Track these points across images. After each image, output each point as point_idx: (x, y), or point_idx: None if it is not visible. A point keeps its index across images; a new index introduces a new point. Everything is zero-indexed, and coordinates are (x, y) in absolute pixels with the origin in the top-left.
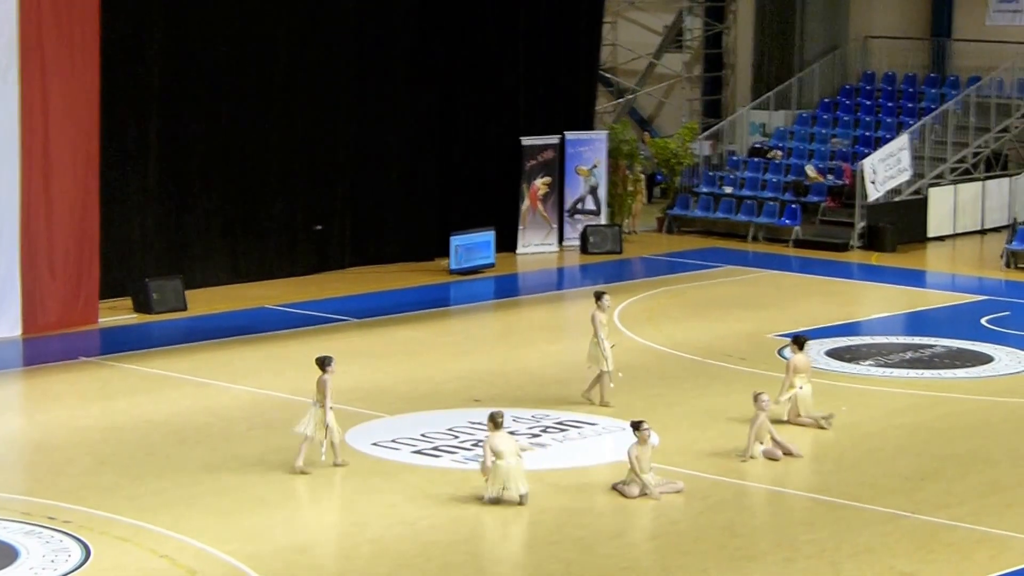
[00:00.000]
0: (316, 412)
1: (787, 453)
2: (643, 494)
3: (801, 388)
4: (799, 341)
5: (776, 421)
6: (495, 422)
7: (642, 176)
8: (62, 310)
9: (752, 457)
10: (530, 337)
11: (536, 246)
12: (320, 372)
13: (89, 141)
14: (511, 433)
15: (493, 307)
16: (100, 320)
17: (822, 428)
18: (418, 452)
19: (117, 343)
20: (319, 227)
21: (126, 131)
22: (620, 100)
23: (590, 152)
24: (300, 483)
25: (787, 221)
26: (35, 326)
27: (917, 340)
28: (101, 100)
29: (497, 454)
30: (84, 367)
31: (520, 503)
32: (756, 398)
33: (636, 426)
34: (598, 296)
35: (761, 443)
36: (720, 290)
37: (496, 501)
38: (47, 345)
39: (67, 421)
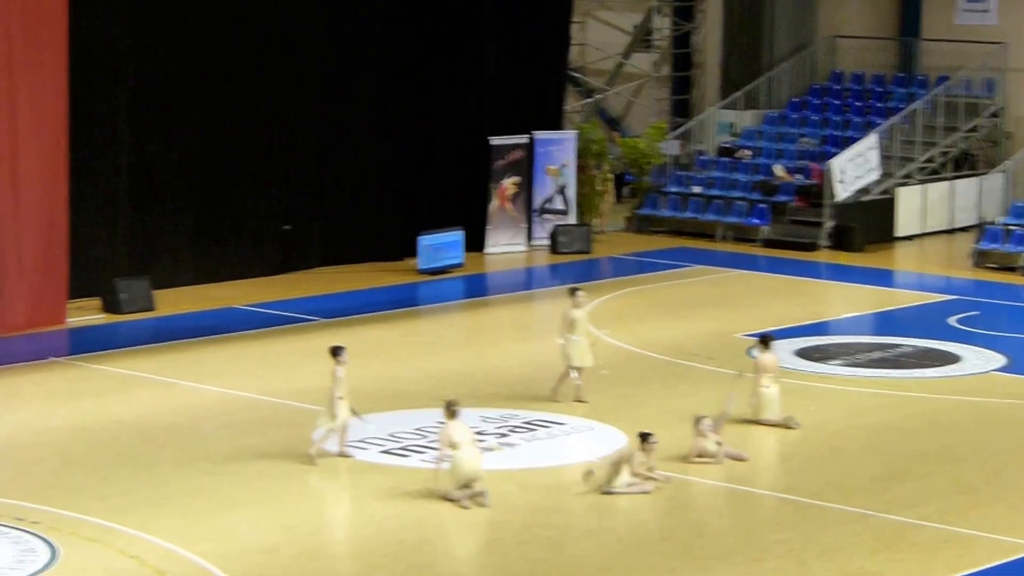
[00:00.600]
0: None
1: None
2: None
3: (768, 387)
4: (765, 341)
5: (745, 421)
6: (451, 411)
7: (611, 176)
8: (30, 310)
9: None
10: (499, 337)
11: (505, 246)
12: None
13: (57, 140)
14: (480, 437)
15: (462, 307)
16: (68, 320)
17: (789, 428)
18: (386, 452)
19: (85, 343)
20: (287, 227)
21: (95, 131)
22: (589, 100)
23: (559, 152)
24: (269, 483)
25: (756, 221)
26: (3, 326)
27: (885, 340)
28: (70, 99)
29: (453, 444)
30: (52, 367)
31: (482, 504)
32: (697, 422)
33: (645, 438)
34: (572, 292)
35: (714, 457)
36: (689, 290)
37: (456, 497)
38: (15, 345)
39: (35, 421)
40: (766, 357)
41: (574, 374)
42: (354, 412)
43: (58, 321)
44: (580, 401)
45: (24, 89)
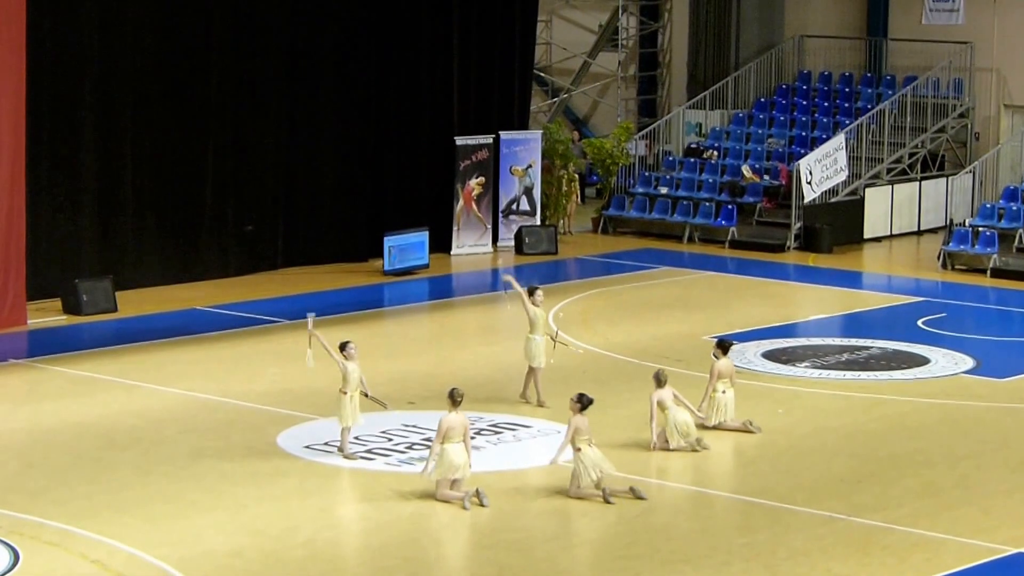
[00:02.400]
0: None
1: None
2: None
3: (724, 392)
4: (723, 346)
5: (700, 427)
6: (453, 400)
7: (576, 176)
8: None
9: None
10: (464, 339)
11: (470, 247)
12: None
13: (15, 139)
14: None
15: (427, 308)
16: (29, 321)
17: (750, 432)
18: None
19: (46, 345)
20: (250, 227)
21: (57, 129)
22: (555, 99)
23: (525, 152)
24: (232, 487)
25: (723, 222)
26: None
27: (853, 342)
28: (32, 98)
29: (447, 436)
30: (12, 369)
31: (481, 504)
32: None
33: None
34: (531, 291)
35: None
36: (656, 291)
37: (451, 497)
38: None
39: None
40: (722, 363)
41: (539, 373)
42: (379, 401)
43: (18, 323)
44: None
45: None
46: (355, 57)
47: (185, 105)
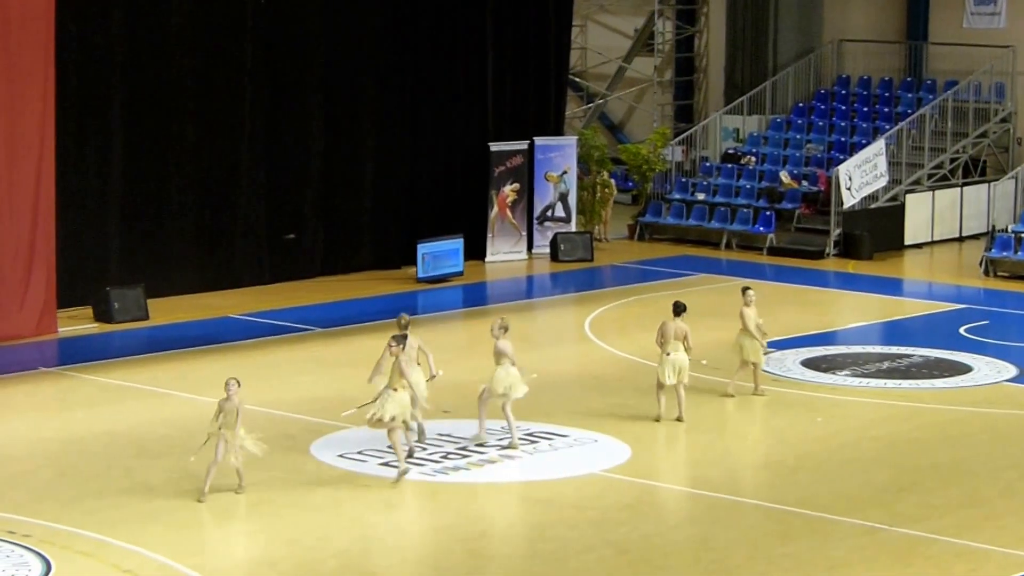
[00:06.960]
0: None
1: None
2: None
3: (669, 355)
4: (676, 308)
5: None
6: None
7: (611, 182)
8: (20, 320)
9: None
10: None
11: (505, 254)
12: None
13: (44, 146)
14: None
15: (461, 316)
16: (60, 330)
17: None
18: (385, 464)
19: (77, 353)
20: (291, 235)
21: (88, 135)
22: (590, 105)
23: (560, 158)
24: (265, 496)
25: (761, 228)
26: None
27: (894, 350)
28: (61, 103)
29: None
30: (43, 377)
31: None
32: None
33: None
34: (744, 291)
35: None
36: (692, 299)
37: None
38: (5, 355)
39: (26, 433)
40: (675, 323)
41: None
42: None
43: (49, 331)
44: (758, 394)
45: (7, 92)
46: (389, 64)
47: (218, 112)
